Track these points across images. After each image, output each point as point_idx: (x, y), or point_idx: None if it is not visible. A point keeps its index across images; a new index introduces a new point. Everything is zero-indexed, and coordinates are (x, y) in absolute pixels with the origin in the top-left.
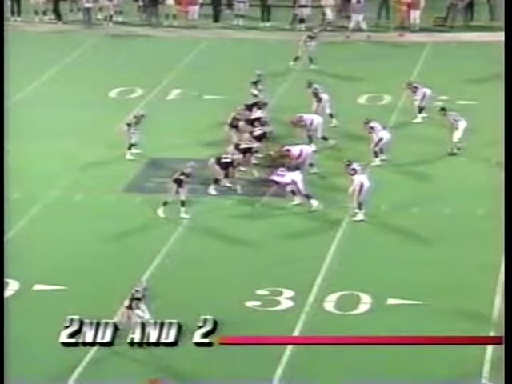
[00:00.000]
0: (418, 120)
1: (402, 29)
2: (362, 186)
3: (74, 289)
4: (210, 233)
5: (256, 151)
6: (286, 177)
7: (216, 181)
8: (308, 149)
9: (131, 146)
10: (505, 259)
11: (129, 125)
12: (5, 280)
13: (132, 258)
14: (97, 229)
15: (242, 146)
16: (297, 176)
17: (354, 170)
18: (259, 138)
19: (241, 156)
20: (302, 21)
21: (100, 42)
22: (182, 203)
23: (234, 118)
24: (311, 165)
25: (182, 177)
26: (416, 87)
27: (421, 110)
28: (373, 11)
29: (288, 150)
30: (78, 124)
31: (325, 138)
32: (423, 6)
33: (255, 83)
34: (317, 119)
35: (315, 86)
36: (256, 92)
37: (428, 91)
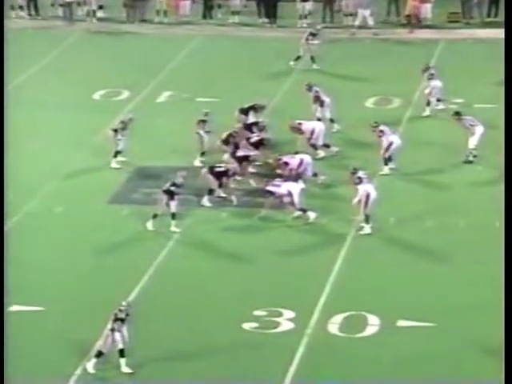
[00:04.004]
0: (427, 113)
1: (413, 25)
2: (368, 196)
3: (54, 309)
4: (203, 248)
5: (253, 160)
6: (282, 187)
7: (210, 191)
8: (309, 158)
9: (117, 153)
10: (505, 257)
11: (115, 130)
12: None
13: (118, 275)
14: (79, 244)
15: (239, 153)
16: (294, 187)
17: (359, 178)
18: (256, 145)
19: (236, 165)
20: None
21: (83, 39)
22: (173, 216)
23: (230, 135)
24: (315, 175)
25: (172, 187)
26: (432, 75)
27: (429, 103)
28: (381, 6)
29: (286, 164)
30: (58, 129)
31: (327, 145)
32: None
33: (203, 122)
34: (318, 126)
35: (316, 88)
36: (202, 133)
37: (438, 84)
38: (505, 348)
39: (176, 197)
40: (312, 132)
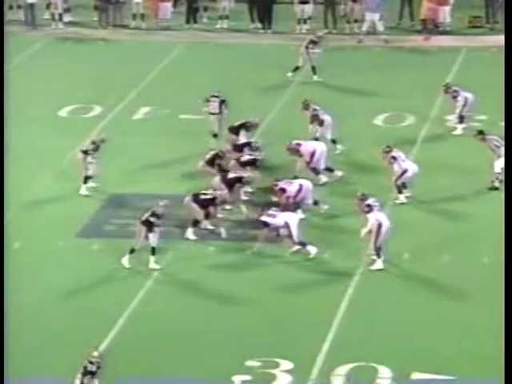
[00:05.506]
0: (459, 132)
1: (429, 31)
2: (379, 226)
3: (15, 362)
4: (187, 288)
5: (247, 181)
6: (279, 218)
7: (195, 222)
8: (309, 184)
9: (87, 178)
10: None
11: (85, 152)
12: None
13: (88, 321)
14: (41, 286)
15: (230, 176)
16: (291, 218)
17: (369, 206)
18: (247, 166)
19: (226, 191)
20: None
21: (47, 46)
22: (153, 251)
23: (217, 156)
24: (316, 203)
25: (152, 218)
26: (457, 91)
27: (462, 119)
28: (392, 9)
29: (283, 190)
30: (19, 150)
31: (330, 169)
32: (453, 1)
33: (223, 102)
34: (320, 147)
35: (314, 106)
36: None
37: (470, 96)
38: (505, 348)
39: (156, 229)
40: (312, 154)
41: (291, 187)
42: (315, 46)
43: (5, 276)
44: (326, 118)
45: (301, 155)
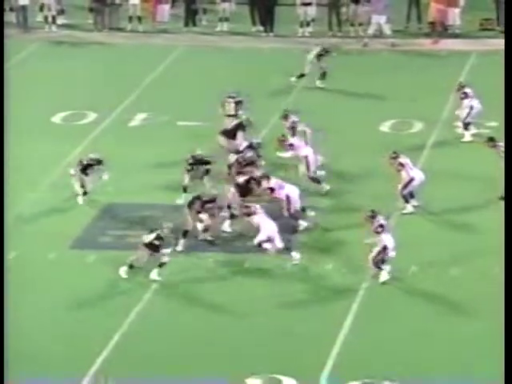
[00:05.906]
0: (467, 138)
1: (438, 34)
2: (385, 248)
3: (12, 371)
4: (186, 301)
5: (262, 177)
6: (259, 216)
7: (184, 233)
8: (295, 190)
9: (81, 187)
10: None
11: (76, 171)
12: None
13: (84, 335)
14: (33, 299)
15: (240, 181)
16: (269, 225)
17: (381, 226)
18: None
19: (237, 197)
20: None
21: (40, 50)
22: (161, 264)
23: (186, 162)
24: (303, 209)
25: (157, 242)
26: (466, 94)
27: (467, 125)
28: (399, 12)
29: (271, 190)
30: (10, 158)
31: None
32: (464, 3)
33: (239, 103)
34: (310, 153)
35: (294, 118)
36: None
37: (477, 106)
38: (505, 348)
39: (160, 250)
40: (306, 157)
41: (280, 192)
42: (322, 57)
43: (4, 287)
44: (307, 129)
45: (294, 154)
